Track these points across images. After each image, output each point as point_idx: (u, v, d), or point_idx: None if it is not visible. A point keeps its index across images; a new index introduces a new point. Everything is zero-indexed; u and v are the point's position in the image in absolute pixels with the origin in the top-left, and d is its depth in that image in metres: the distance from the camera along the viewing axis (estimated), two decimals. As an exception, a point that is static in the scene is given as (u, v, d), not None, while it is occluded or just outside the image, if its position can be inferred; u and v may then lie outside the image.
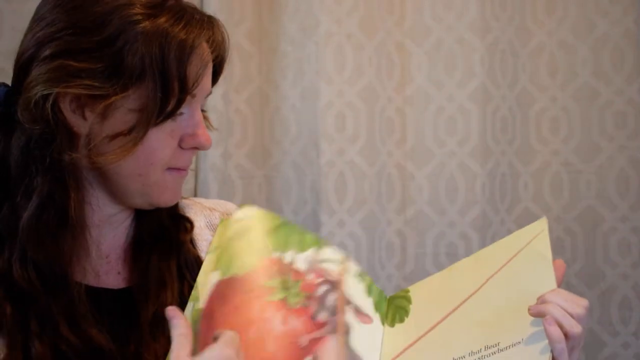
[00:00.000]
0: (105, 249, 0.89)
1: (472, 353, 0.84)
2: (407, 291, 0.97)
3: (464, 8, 1.56)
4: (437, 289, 0.95)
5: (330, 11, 1.48)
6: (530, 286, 0.85)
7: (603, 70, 1.63)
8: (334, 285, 0.92)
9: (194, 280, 0.89)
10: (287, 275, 0.90)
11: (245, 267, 0.90)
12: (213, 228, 0.97)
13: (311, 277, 0.91)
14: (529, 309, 0.81)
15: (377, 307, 0.94)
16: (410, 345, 0.90)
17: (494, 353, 0.82)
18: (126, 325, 0.84)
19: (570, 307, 0.80)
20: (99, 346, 0.80)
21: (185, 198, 0.98)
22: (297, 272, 0.91)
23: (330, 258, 0.94)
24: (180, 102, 0.81)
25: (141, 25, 0.79)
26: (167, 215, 0.92)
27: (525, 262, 0.88)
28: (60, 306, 0.79)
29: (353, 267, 0.95)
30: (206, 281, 0.89)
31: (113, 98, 0.78)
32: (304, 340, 0.86)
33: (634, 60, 1.61)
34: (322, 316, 0.88)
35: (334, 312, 0.90)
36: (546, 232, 0.89)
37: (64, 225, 0.81)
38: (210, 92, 0.89)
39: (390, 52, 1.56)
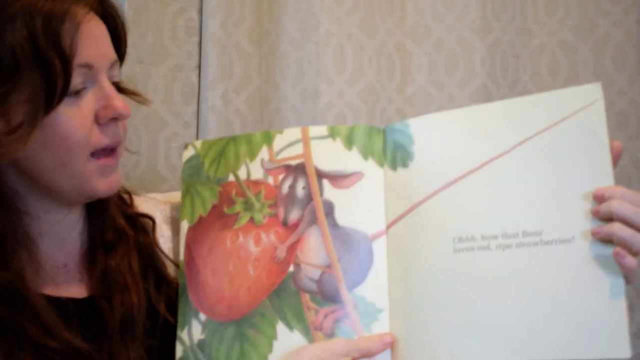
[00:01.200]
0: (61, 258, 0.86)
1: (506, 235, 0.74)
2: (407, 125, 0.83)
3: (465, 8, 1.55)
4: (448, 135, 0.79)
5: (331, 11, 1.48)
6: (579, 169, 0.74)
7: (604, 71, 1.62)
8: (300, 169, 0.85)
9: (158, 278, 0.89)
10: (246, 193, 0.87)
11: (206, 205, 0.88)
12: (170, 221, 0.95)
13: (271, 180, 0.87)
14: (592, 212, 0.72)
15: (367, 151, 0.84)
16: (422, 202, 0.79)
17: (536, 244, 0.73)
18: (96, 334, 0.82)
19: (638, 219, 0.72)
20: (77, 348, 0.78)
21: (139, 195, 0.96)
22: (256, 184, 0.87)
23: (288, 142, 0.87)
24: (68, 76, 0.76)
25: (6, 11, 0.74)
26: (122, 215, 0.90)
27: (573, 136, 0.75)
28: (27, 319, 0.77)
29: (317, 131, 0.86)
30: (180, 233, 0.89)
31: None
32: (281, 252, 0.84)
33: (636, 60, 1.61)
34: (294, 216, 0.84)
35: (308, 200, 0.84)
36: (601, 103, 0.76)
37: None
38: (117, 60, 0.84)
39: (391, 52, 1.55)
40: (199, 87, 1.43)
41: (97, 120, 0.80)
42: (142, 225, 0.92)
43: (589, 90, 0.76)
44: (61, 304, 0.82)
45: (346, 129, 0.85)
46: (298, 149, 0.86)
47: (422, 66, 1.57)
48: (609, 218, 0.72)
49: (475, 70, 1.55)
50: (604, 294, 0.70)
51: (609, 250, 0.71)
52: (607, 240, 0.72)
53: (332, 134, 0.85)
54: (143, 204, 0.96)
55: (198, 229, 0.88)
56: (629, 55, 1.61)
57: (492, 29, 1.57)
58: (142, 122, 1.37)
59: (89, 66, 0.79)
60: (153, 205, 0.97)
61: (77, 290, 0.86)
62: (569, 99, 0.76)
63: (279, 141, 0.87)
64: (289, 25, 1.49)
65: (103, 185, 0.82)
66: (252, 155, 0.88)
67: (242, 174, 0.88)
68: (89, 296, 0.86)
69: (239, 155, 0.88)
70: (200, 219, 0.88)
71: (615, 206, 0.72)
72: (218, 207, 0.88)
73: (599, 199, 0.73)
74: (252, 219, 0.86)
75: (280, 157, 0.87)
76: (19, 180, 0.81)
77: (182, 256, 0.88)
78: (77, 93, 0.78)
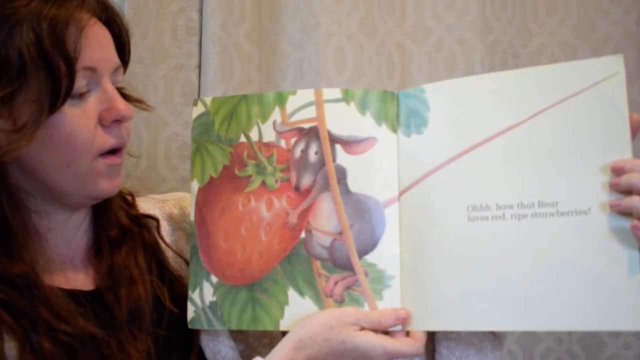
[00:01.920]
0: (67, 253, 0.89)
1: (522, 205, 0.73)
2: (423, 91, 0.83)
3: (465, 8, 1.55)
4: (464, 102, 0.79)
5: (331, 11, 1.48)
6: (597, 141, 0.72)
7: (604, 71, 1.62)
8: (313, 133, 0.84)
9: (162, 272, 0.90)
10: (258, 155, 0.86)
11: (217, 166, 0.88)
12: (168, 218, 0.98)
13: (283, 143, 0.86)
14: (610, 184, 0.71)
15: (381, 116, 0.83)
16: (435, 169, 0.78)
17: (552, 215, 0.73)
18: (104, 324, 0.84)
19: None
20: (92, 334, 0.80)
21: (139, 196, 0.99)
22: (268, 146, 0.86)
23: (301, 103, 0.86)
24: (72, 78, 0.79)
25: (14, 16, 0.77)
26: (126, 215, 0.93)
27: (592, 108, 0.74)
28: (42, 306, 0.80)
29: (331, 93, 0.84)
30: (190, 193, 0.89)
31: (1, 95, 0.77)
32: (293, 218, 0.84)
33: (636, 60, 1.61)
34: (306, 181, 0.84)
35: (320, 165, 0.84)
36: (622, 75, 0.74)
37: (9, 235, 0.81)
38: (120, 66, 0.86)
39: (391, 52, 1.55)
40: (199, 87, 1.43)
41: (101, 122, 0.83)
42: (145, 223, 0.94)
43: (610, 61, 0.74)
44: (73, 295, 0.85)
45: (360, 92, 0.83)
46: (311, 112, 0.85)
47: (422, 66, 1.57)
48: (627, 191, 0.72)
49: (475, 70, 1.55)
50: (620, 266, 0.70)
51: (625, 223, 0.71)
52: (625, 213, 0.71)
53: (346, 97, 0.84)
54: (142, 203, 0.99)
55: (209, 189, 0.88)
56: (629, 55, 1.61)
57: (492, 29, 1.57)
58: (142, 122, 1.37)
59: (92, 69, 0.81)
60: (152, 204, 1.00)
61: (83, 283, 0.88)
62: (589, 70, 0.75)
63: (291, 102, 0.86)
64: (289, 25, 1.49)
65: (107, 185, 0.85)
66: (264, 117, 0.87)
67: (253, 135, 0.87)
68: (95, 288, 0.88)
69: (251, 116, 0.87)
70: (211, 179, 0.88)
71: (635, 179, 0.71)
72: (229, 168, 0.88)
73: (618, 171, 0.73)
74: (264, 183, 0.86)
75: (293, 119, 0.85)
76: (26, 182, 0.83)
77: (192, 217, 0.89)
78: (81, 96, 0.81)
